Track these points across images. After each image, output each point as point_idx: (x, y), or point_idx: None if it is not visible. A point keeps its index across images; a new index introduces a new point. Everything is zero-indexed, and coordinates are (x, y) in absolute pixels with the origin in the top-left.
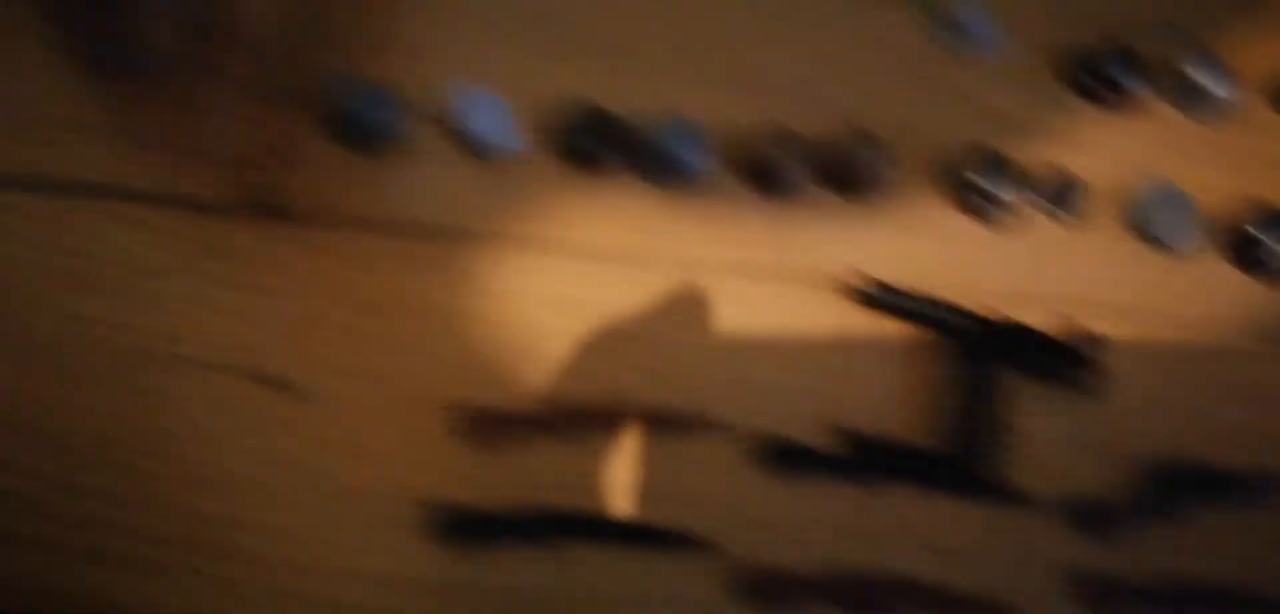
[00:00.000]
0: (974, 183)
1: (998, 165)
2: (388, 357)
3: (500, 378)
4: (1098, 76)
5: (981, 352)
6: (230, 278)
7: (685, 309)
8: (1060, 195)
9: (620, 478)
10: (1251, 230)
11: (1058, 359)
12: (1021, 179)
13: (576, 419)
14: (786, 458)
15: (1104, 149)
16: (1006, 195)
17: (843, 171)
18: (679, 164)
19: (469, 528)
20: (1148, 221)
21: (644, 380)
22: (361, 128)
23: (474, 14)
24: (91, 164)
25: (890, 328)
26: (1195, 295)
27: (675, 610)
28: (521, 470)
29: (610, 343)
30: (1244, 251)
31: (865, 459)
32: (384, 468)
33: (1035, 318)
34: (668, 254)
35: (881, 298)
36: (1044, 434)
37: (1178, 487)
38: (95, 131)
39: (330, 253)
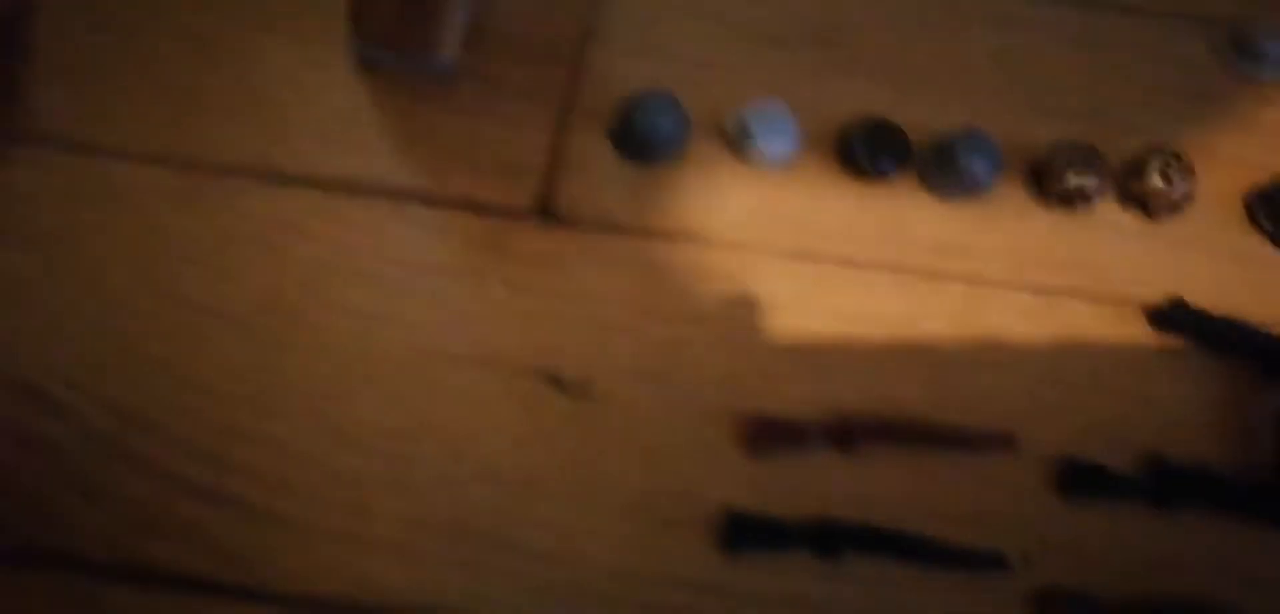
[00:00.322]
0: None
1: None
2: (672, 362)
3: (785, 388)
4: None
5: None
6: (515, 280)
7: (974, 324)
8: None
9: (907, 493)
10: None
11: None
12: None
13: (861, 432)
14: (1085, 479)
15: None
16: None
17: (1140, 191)
18: (972, 177)
19: (753, 535)
20: None
21: (930, 395)
22: (648, 138)
23: (760, 33)
24: (384, 167)
25: (1187, 349)
26: None
27: None
28: (805, 481)
29: (896, 356)
30: None
31: (1166, 483)
32: (668, 471)
33: None
34: (957, 268)
35: (1181, 318)
36: None
37: None
38: (389, 137)
39: (615, 259)
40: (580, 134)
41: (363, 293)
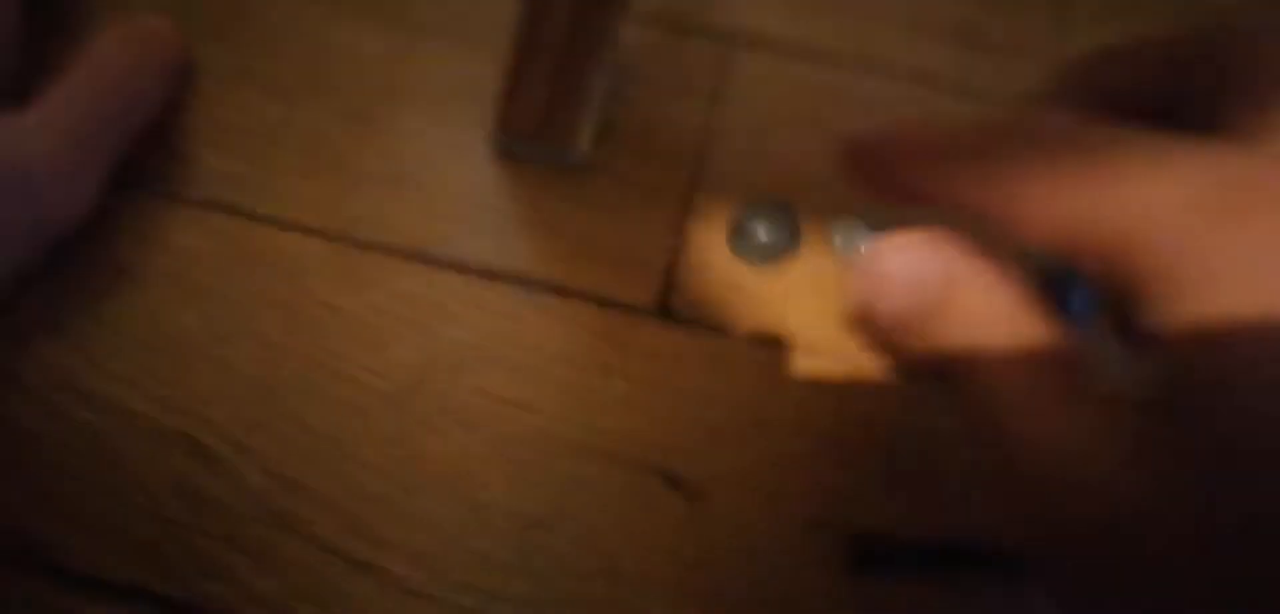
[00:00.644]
0: None
1: None
2: (781, 471)
3: (892, 507)
4: None
5: None
6: (636, 375)
7: None
8: None
9: None
10: None
11: None
12: None
13: (965, 558)
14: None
15: None
16: None
17: None
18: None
19: None
20: None
21: None
22: (761, 245)
23: None
24: (518, 255)
25: None
26: None
27: None
28: (907, 603)
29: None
30: None
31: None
32: (772, 580)
33: None
34: None
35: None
36: None
37: None
38: (524, 226)
39: (731, 361)
40: (700, 234)
41: (499, 377)
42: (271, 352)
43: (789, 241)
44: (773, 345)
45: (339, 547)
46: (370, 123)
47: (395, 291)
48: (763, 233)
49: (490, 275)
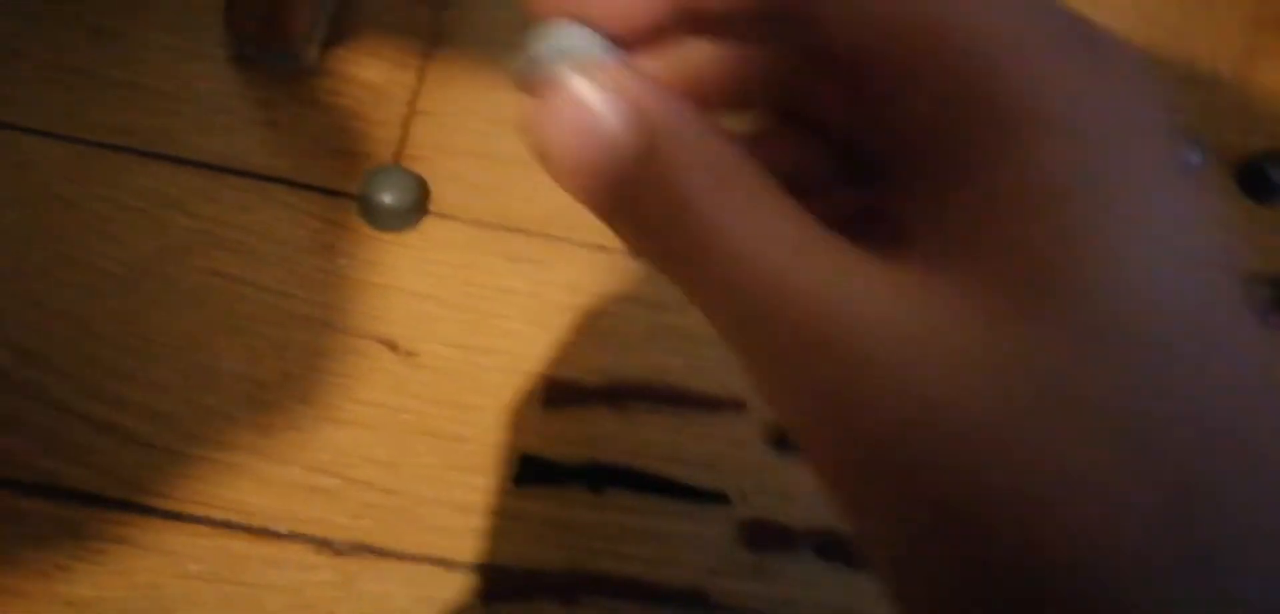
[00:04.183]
0: None
1: None
2: (487, 334)
3: (576, 357)
4: None
5: None
6: (359, 256)
7: None
8: None
9: (661, 443)
10: None
11: None
12: None
13: (629, 394)
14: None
15: None
16: None
17: None
18: None
19: (540, 473)
20: None
21: (687, 365)
22: (387, 208)
23: None
24: (252, 152)
25: None
26: None
27: (694, 549)
28: (584, 432)
29: (666, 334)
30: None
31: None
32: (478, 423)
33: None
34: None
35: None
36: None
37: None
38: (257, 125)
39: (446, 243)
40: (422, 130)
41: (230, 260)
42: (12, 242)
43: (414, 209)
44: (482, 226)
45: (82, 410)
46: (111, 35)
47: (131, 187)
48: (388, 199)
49: (223, 171)
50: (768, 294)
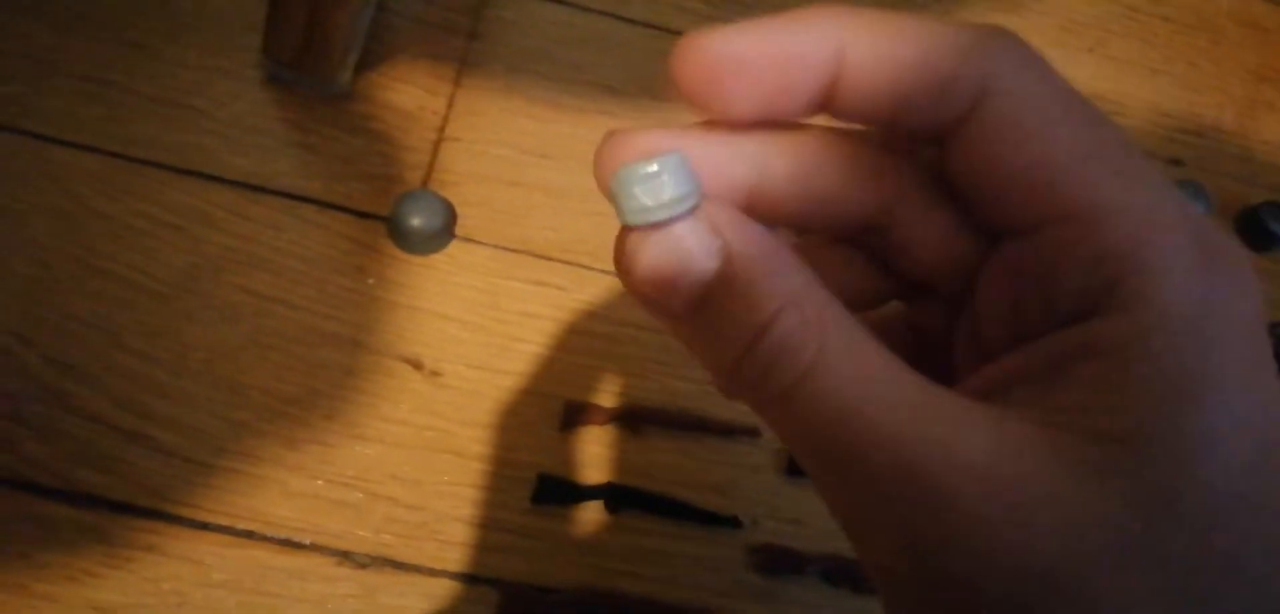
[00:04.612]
0: None
1: None
2: (508, 355)
3: (593, 380)
4: None
5: None
6: (387, 277)
7: None
8: None
9: (674, 466)
10: None
11: None
12: None
13: (645, 417)
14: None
15: None
16: None
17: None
18: None
19: (557, 492)
20: None
21: (701, 391)
22: (415, 230)
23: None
24: (283, 171)
25: None
26: None
27: (705, 571)
28: (602, 454)
29: (679, 359)
30: None
31: None
32: (498, 442)
33: None
34: None
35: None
36: None
37: None
38: (289, 145)
39: (470, 266)
40: (451, 155)
41: (261, 278)
42: (47, 254)
43: (442, 232)
44: (506, 249)
45: (112, 420)
46: (145, 50)
47: (164, 202)
48: (416, 222)
49: (255, 189)
50: (851, 431)
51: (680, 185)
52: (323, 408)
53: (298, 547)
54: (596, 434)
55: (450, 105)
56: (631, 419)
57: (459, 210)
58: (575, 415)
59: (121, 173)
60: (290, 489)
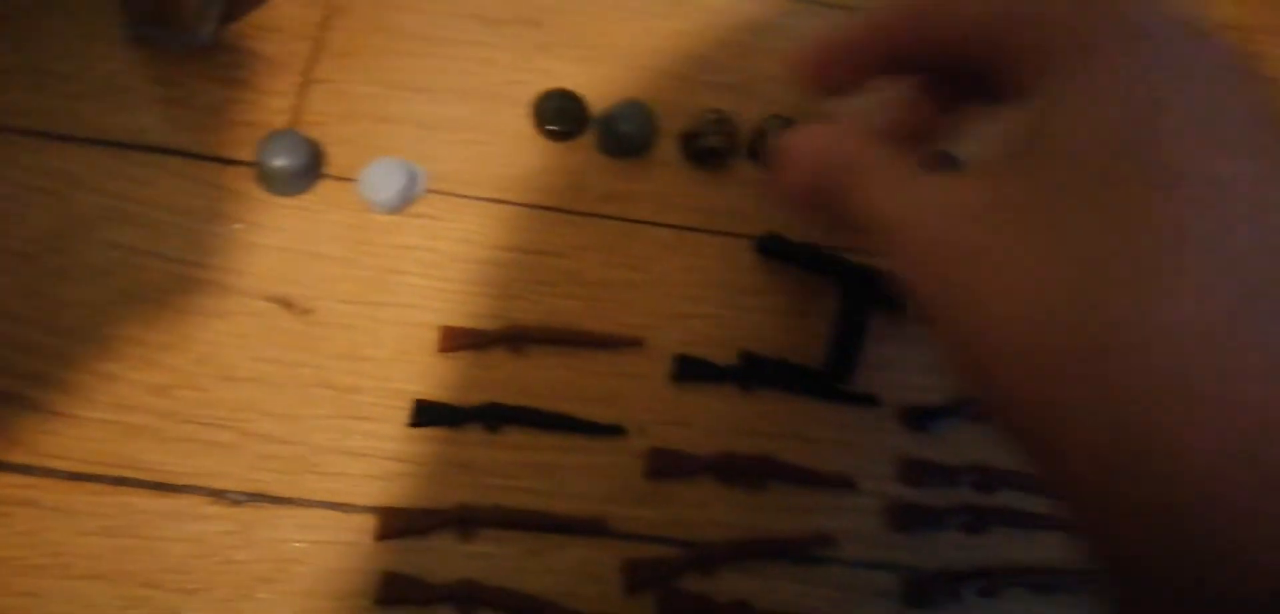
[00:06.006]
0: None
1: None
2: (384, 288)
3: (474, 305)
4: None
5: (853, 289)
6: (257, 222)
7: (622, 254)
8: None
9: (560, 382)
10: None
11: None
12: None
13: (528, 335)
14: (692, 370)
15: None
16: None
17: (761, 150)
18: (628, 139)
19: (434, 415)
20: None
21: (586, 308)
22: (279, 170)
23: (476, 12)
24: (151, 127)
25: (781, 269)
26: None
27: (591, 479)
28: (483, 375)
29: (563, 279)
30: None
31: (752, 371)
32: (374, 373)
33: None
34: (615, 210)
35: (776, 246)
36: (894, 354)
37: None
38: (155, 101)
39: (341, 203)
40: (318, 98)
41: (130, 232)
42: None
43: (308, 171)
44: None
45: None
46: (10, 22)
47: (33, 167)
48: (280, 162)
49: (123, 146)
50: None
51: None
52: (194, 353)
53: (172, 489)
54: (477, 358)
55: (317, 48)
56: (512, 340)
57: (328, 149)
58: (453, 340)
59: None
60: (163, 435)
